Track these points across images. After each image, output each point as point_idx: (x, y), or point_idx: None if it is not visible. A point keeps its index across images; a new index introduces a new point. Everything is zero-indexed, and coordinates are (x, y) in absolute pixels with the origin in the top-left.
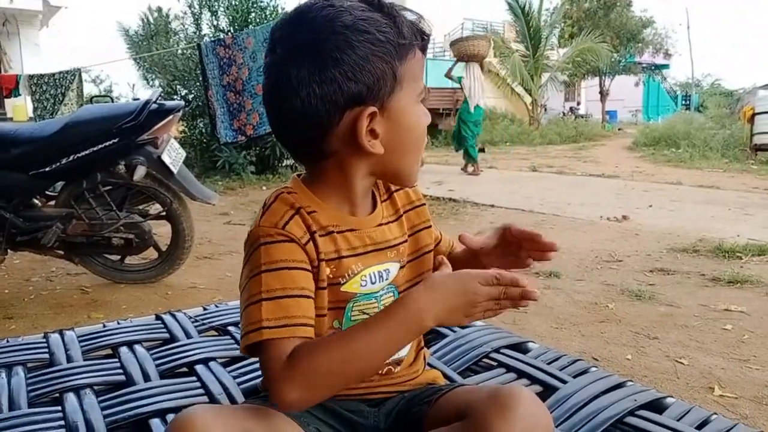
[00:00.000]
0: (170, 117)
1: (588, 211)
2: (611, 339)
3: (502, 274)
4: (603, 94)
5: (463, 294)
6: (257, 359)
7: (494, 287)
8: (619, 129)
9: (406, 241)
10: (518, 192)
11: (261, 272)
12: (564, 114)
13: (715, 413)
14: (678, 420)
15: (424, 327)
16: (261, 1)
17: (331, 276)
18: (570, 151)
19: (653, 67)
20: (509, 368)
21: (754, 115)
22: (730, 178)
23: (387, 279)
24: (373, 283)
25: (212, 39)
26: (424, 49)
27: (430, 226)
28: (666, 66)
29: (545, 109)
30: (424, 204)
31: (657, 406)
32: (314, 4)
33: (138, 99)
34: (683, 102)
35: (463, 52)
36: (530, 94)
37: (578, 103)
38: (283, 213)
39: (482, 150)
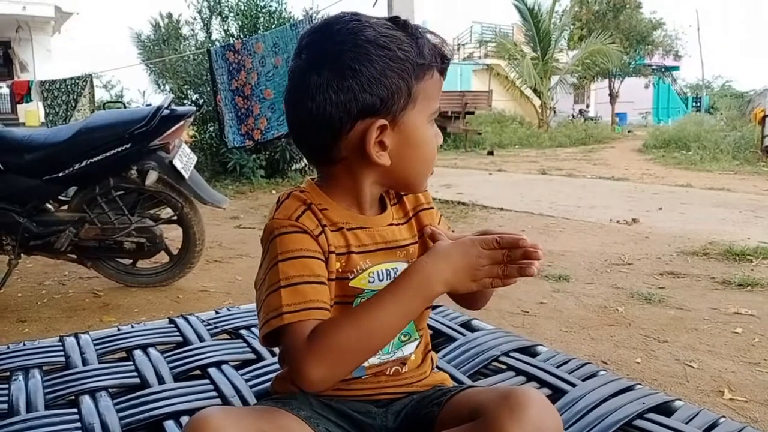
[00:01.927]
0: (181, 122)
1: (598, 214)
2: (621, 342)
3: (503, 236)
4: (612, 97)
5: (467, 256)
6: (269, 362)
7: (496, 250)
8: (628, 131)
9: (416, 242)
10: (527, 195)
11: (278, 262)
12: (573, 116)
13: (724, 416)
14: (686, 423)
15: (435, 292)
16: (269, 6)
17: (340, 270)
18: (579, 153)
19: (663, 69)
20: (519, 371)
21: (765, 116)
22: (741, 181)
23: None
24: (380, 281)
25: (222, 44)
26: (442, 72)
27: None
28: (676, 68)
29: (554, 112)
30: (433, 207)
31: (665, 409)
32: (343, 16)
33: (150, 104)
34: (693, 104)
35: None
36: (539, 97)
37: (587, 106)
38: (295, 208)
39: (491, 153)
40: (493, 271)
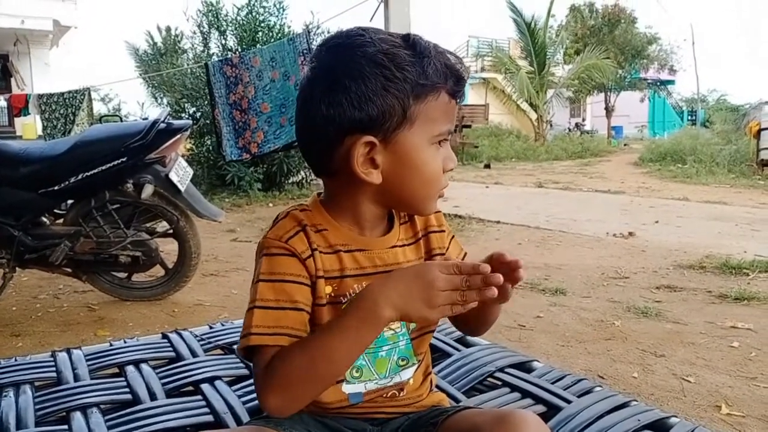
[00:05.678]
0: (178, 136)
1: (594, 227)
2: (618, 357)
3: (463, 262)
4: (608, 110)
5: (420, 278)
6: None
7: (455, 275)
8: (624, 144)
9: None
10: (524, 208)
11: (259, 281)
12: (569, 130)
13: None
14: None
15: (381, 317)
16: (268, 21)
17: (332, 294)
18: (576, 166)
19: (658, 83)
20: (514, 388)
21: (760, 130)
22: (737, 194)
23: None
24: None
25: (219, 58)
26: (453, 93)
27: (443, 254)
28: (671, 82)
29: (551, 125)
30: (444, 230)
31: (661, 426)
32: (351, 30)
33: (147, 118)
34: (689, 117)
35: None
36: (536, 111)
37: (583, 119)
38: (289, 228)
39: (487, 166)
40: (452, 296)
